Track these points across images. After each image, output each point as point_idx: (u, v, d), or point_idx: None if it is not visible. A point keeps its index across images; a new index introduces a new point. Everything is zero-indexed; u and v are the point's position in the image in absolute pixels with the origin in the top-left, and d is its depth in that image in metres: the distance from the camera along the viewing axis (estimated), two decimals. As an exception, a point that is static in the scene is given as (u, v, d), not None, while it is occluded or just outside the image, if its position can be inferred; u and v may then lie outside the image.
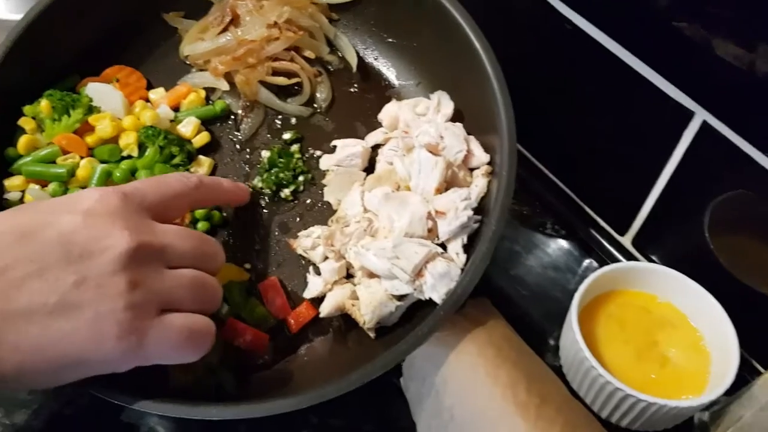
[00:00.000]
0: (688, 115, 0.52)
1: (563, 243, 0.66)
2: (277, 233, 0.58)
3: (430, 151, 0.54)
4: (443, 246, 0.52)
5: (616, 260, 0.64)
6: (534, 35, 0.62)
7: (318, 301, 0.54)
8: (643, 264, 0.59)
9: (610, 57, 0.54)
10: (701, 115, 0.51)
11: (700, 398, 0.50)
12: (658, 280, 0.56)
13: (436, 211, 0.51)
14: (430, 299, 0.50)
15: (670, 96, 0.52)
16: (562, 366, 0.57)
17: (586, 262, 0.65)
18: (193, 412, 0.45)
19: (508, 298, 0.62)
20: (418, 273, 0.49)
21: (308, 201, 0.59)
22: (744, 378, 0.52)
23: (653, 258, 0.63)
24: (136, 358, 0.41)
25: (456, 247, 0.51)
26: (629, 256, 0.64)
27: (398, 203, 0.52)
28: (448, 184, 0.54)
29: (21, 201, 0.53)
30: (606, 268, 0.56)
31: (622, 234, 0.64)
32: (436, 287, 0.49)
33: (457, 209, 0.51)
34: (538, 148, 0.68)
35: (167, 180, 0.47)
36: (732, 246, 0.56)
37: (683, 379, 0.53)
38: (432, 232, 0.52)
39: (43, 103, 0.56)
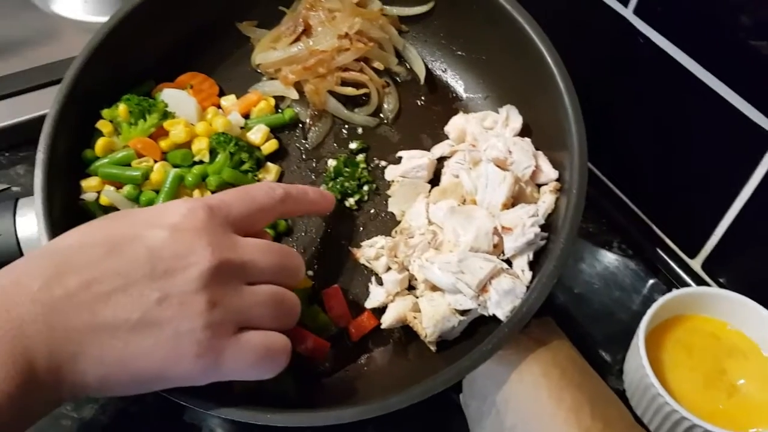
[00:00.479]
0: (768, 138, 0.50)
1: (629, 263, 0.64)
2: (340, 242, 0.58)
3: (498, 166, 0.53)
4: (508, 262, 0.52)
5: (684, 283, 0.63)
6: (607, 50, 0.62)
7: (379, 311, 0.54)
8: (714, 289, 0.58)
9: (687, 74, 0.53)
10: (784, 139, 0.49)
11: (771, 431, 0.49)
12: (729, 307, 0.54)
13: (503, 227, 0.51)
14: (494, 315, 0.49)
15: (749, 117, 0.51)
16: (626, 390, 0.56)
17: (652, 282, 0.64)
18: (255, 417, 0.45)
19: (571, 317, 0.61)
20: (483, 288, 0.49)
21: (372, 211, 0.59)
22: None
23: (723, 283, 0.61)
24: (214, 374, 0.42)
25: (521, 264, 0.51)
26: (698, 280, 0.62)
27: (464, 217, 0.51)
28: (514, 199, 0.53)
29: (97, 201, 0.55)
30: (675, 293, 0.55)
31: (692, 257, 0.62)
32: (501, 304, 0.49)
33: (524, 225, 0.50)
34: (606, 164, 0.67)
35: (253, 193, 0.47)
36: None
37: (753, 410, 0.52)
38: (497, 248, 0.51)
39: (121, 107, 0.57)
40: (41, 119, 0.54)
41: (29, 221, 0.52)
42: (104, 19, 0.79)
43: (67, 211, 0.53)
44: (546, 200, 0.53)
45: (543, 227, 0.52)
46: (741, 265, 0.59)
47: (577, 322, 0.60)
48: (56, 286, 0.38)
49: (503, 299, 0.49)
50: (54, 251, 0.41)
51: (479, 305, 0.49)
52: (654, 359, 0.52)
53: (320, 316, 0.53)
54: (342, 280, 0.56)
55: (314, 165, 0.61)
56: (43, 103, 0.57)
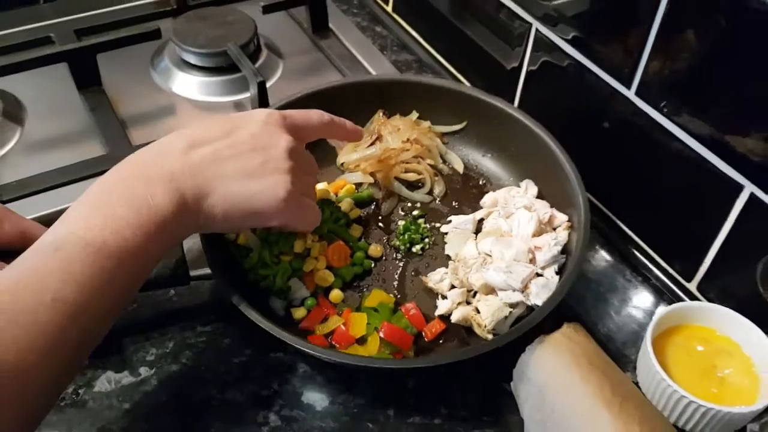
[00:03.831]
0: (738, 188, 0.61)
1: (640, 287, 0.76)
2: (412, 275, 0.75)
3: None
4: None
5: (682, 300, 0.72)
6: (609, 118, 0.74)
7: (445, 318, 0.69)
8: (705, 304, 0.67)
9: (674, 138, 0.65)
10: (749, 188, 0.60)
11: (751, 407, 0.58)
12: (717, 317, 0.64)
13: (535, 246, 0.69)
14: (534, 306, 0.65)
15: (721, 170, 0.62)
16: (639, 382, 0.65)
17: (658, 302, 0.75)
18: (375, 362, 0.62)
19: (595, 331, 0.72)
20: (525, 286, 0.66)
21: (433, 254, 0.77)
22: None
23: (712, 299, 0.70)
24: (291, 216, 0.62)
25: (550, 272, 0.68)
26: (693, 298, 0.72)
27: (505, 243, 0.70)
28: (538, 234, 0.72)
29: (235, 241, 0.70)
30: (674, 306, 0.65)
31: (688, 281, 0.72)
32: (539, 295, 0.65)
33: (550, 245, 0.69)
34: (617, 208, 0.80)
35: (310, 114, 0.67)
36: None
37: (738, 394, 0.61)
38: (532, 262, 0.69)
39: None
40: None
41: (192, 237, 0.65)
42: (215, 99, 0.94)
43: (217, 235, 0.70)
44: (561, 235, 0.72)
45: (561, 252, 0.70)
46: (726, 286, 0.69)
47: (600, 333, 0.72)
48: (192, 153, 0.57)
49: (541, 291, 0.65)
50: (187, 134, 0.59)
51: (524, 296, 0.66)
52: (660, 359, 0.62)
53: (403, 319, 0.68)
54: (415, 301, 0.72)
55: (387, 226, 0.80)
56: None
